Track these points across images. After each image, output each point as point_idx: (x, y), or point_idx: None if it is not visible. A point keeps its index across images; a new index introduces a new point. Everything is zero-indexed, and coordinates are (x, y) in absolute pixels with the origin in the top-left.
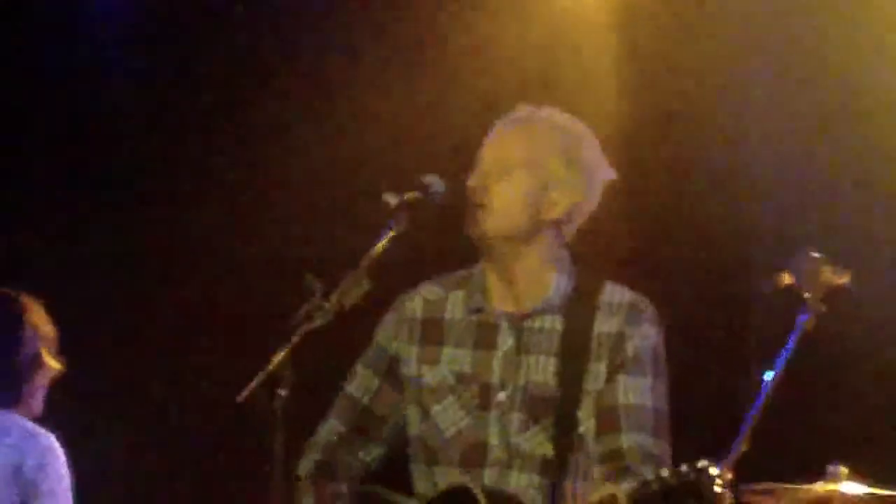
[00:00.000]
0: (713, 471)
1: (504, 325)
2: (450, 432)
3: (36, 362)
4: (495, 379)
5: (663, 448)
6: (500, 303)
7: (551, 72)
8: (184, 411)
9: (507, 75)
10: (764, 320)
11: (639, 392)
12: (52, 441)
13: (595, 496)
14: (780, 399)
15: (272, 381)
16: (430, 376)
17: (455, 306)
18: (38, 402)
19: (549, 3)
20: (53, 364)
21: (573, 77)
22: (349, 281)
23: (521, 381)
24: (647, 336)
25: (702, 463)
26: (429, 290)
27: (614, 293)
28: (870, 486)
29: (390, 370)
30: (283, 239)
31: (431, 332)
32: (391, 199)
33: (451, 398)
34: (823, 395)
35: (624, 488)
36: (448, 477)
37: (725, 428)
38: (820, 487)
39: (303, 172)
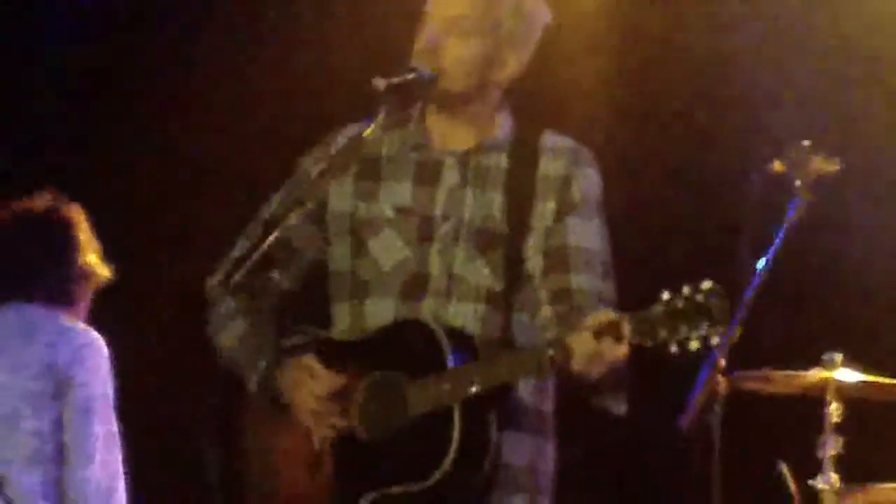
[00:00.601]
0: (720, 289)
1: (448, 160)
2: (388, 265)
3: (87, 269)
4: (438, 212)
5: (611, 290)
6: (442, 140)
7: None
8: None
9: None
10: (756, 209)
11: (587, 234)
12: (91, 336)
13: (592, 321)
14: (774, 287)
15: (267, 263)
16: (364, 210)
17: (392, 144)
18: (85, 308)
19: None
20: (103, 271)
21: None
22: (339, 164)
23: (466, 215)
24: (591, 180)
25: (706, 283)
26: (363, 129)
27: (556, 139)
28: (865, 373)
29: (316, 205)
30: (273, 117)
31: (367, 168)
32: (380, 84)
33: (388, 231)
34: (818, 284)
35: (625, 314)
36: (382, 309)
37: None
38: (815, 374)
39: (298, 55)
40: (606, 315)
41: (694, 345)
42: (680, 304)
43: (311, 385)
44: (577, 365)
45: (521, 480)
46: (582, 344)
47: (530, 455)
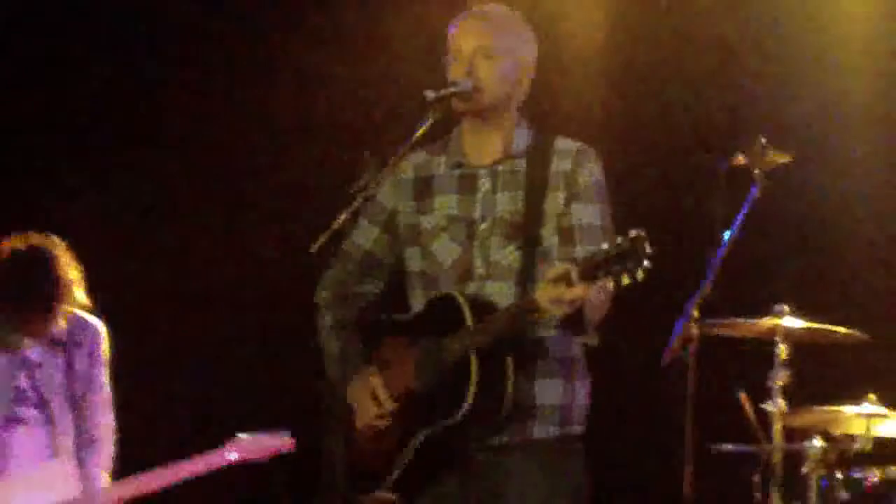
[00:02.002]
0: (642, 234)
1: (481, 172)
2: (447, 263)
3: (66, 291)
4: (477, 215)
5: None
6: (476, 157)
7: None
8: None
9: None
10: (725, 191)
11: (590, 215)
12: None
13: (551, 273)
14: (738, 252)
15: (337, 237)
16: (426, 222)
17: (440, 165)
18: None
19: None
20: (81, 298)
21: None
22: (397, 158)
23: (498, 213)
24: (593, 172)
25: (633, 232)
26: (417, 156)
27: (565, 143)
28: (806, 321)
29: (389, 221)
30: (345, 124)
31: (424, 188)
32: (430, 94)
33: (444, 236)
34: (774, 250)
35: (573, 265)
36: None
37: (695, 275)
38: (767, 321)
39: (361, 74)
40: (562, 266)
41: (625, 280)
42: (613, 251)
43: (370, 407)
44: (546, 309)
45: (553, 416)
46: (545, 292)
47: (561, 396)
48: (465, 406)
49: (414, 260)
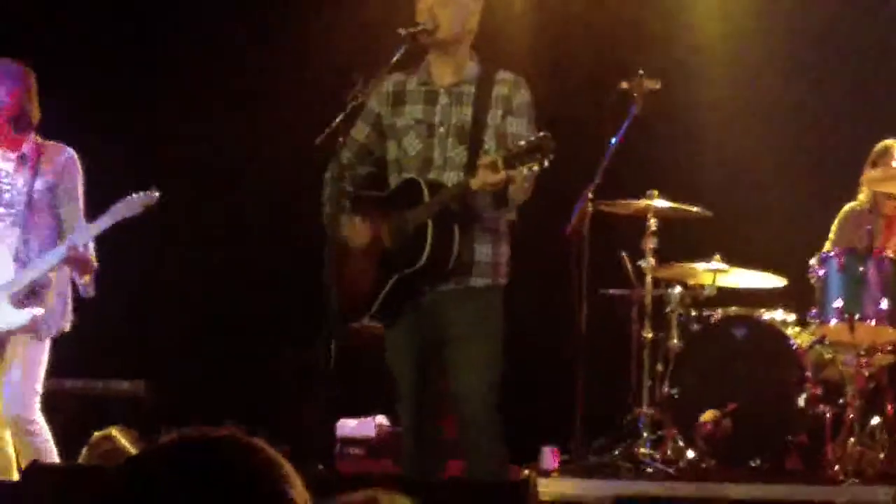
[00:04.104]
0: (548, 135)
1: (441, 91)
2: (412, 153)
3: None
4: (437, 120)
5: None
6: (439, 79)
7: None
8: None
9: None
10: (615, 108)
11: (519, 125)
12: None
13: (483, 160)
14: (621, 153)
15: (335, 133)
16: (399, 122)
17: (412, 83)
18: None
19: None
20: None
21: None
22: (378, 78)
23: (453, 121)
24: (524, 96)
25: (542, 132)
26: (396, 76)
27: (505, 74)
28: (670, 202)
29: (375, 122)
30: (341, 53)
31: (399, 98)
32: (402, 31)
33: (412, 133)
34: (647, 151)
35: (499, 156)
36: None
37: (587, 168)
38: (642, 202)
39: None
40: (490, 156)
41: (535, 167)
42: (526, 146)
43: (354, 237)
44: (479, 187)
45: (486, 270)
46: (479, 175)
47: (492, 255)
48: (424, 258)
49: (391, 151)
